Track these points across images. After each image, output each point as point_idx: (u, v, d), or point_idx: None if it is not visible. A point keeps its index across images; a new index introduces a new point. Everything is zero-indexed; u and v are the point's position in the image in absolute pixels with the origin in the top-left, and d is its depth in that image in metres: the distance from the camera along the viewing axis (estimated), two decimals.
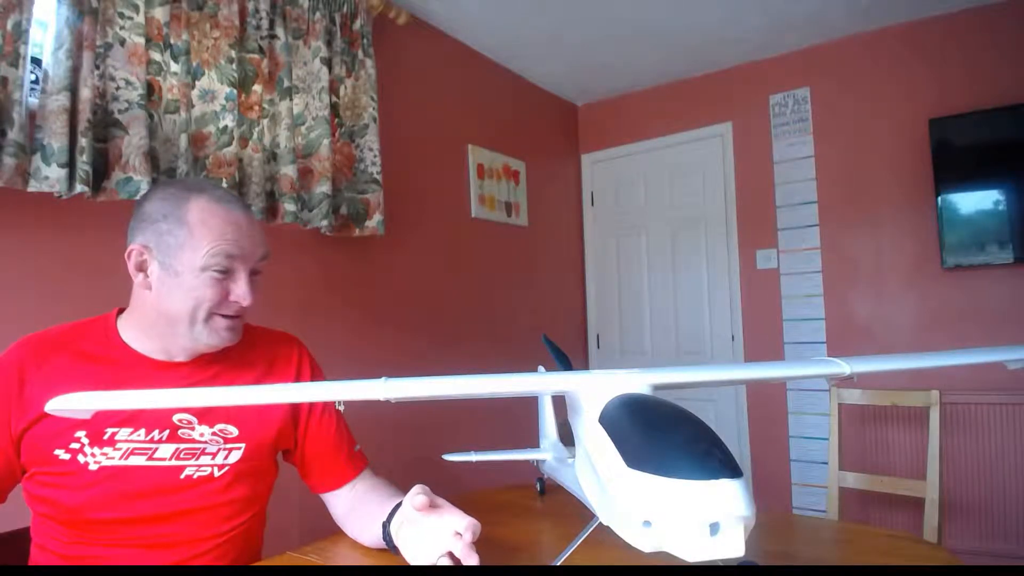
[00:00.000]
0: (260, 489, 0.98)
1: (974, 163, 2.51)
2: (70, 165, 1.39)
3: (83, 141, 1.40)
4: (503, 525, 1.02)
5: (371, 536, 0.91)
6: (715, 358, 3.18)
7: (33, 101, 1.40)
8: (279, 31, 1.90)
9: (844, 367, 0.64)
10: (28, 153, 1.35)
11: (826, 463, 1.92)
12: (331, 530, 1.02)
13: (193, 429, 0.89)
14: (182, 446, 0.88)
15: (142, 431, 0.87)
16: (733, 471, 0.47)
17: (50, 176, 1.36)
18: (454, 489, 1.04)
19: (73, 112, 1.40)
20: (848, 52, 2.84)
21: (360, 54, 2.15)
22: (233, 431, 0.92)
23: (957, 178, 2.54)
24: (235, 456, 0.92)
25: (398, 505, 0.86)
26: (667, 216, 3.37)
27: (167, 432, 0.88)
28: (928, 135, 2.59)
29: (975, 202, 2.53)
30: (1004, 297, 2.49)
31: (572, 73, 3.22)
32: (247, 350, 0.98)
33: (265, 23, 1.86)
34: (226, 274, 0.88)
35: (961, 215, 2.54)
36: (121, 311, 0.94)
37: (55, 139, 1.37)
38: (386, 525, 0.86)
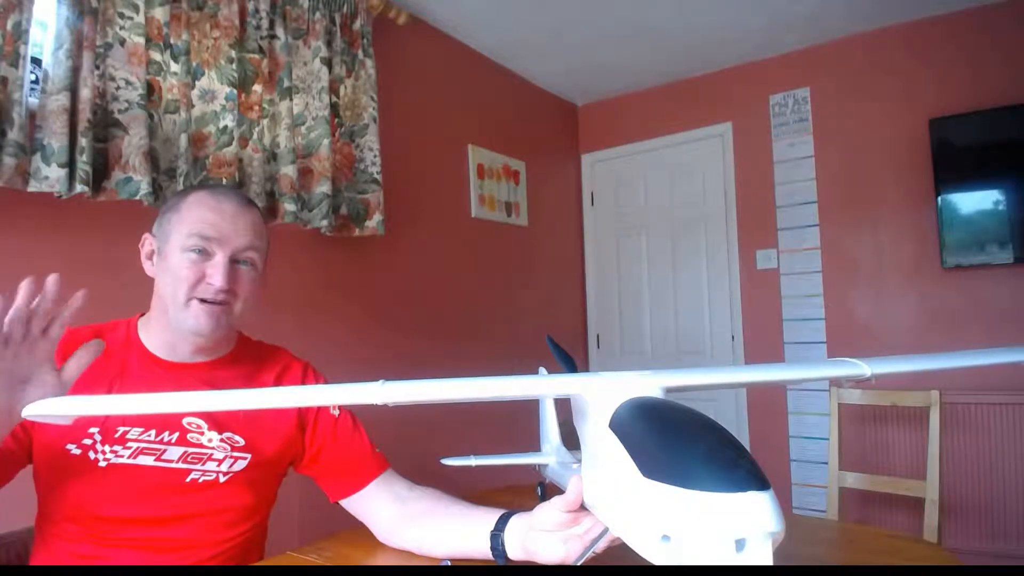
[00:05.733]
0: (263, 498, 0.98)
1: (974, 163, 2.51)
2: (70, 165, 1.39)
3: (83, 141, 1.40)
4: None
5: (452, 543, 0.86)
6: (715, 358, 3.18)
7: (33, 101, 1.40)
8: (279, 31, 1.90)
9: (864, 368, 0.61)
10: (28, 153, 1.35)
11: (826, 463, 1.91)
12: (331, 530, 1.01)
13: (202, 434, 0.90)
14: (190, 450, 0.89)
15: (152, 431, 0.87)
16: (761, 483, 0.43)
17: (50, 176, 1.36)
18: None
19: (73, 112, 1.40)
20: (848, 52, 2.84)
21: (360, 54, 2.15)
22: (240, 440, 0.92)
23: (957, 178, 2.53)
24: (240, 465, 0.92)
25: (505, 515, 0.82)
26: (667, 216, 3.37)
27: (176, 435, 0.88)
28: (928, 135, 2.59)
29: (975, 202, 2.53)
30: (1004, 297, 2.49)
31: (572, 73, 3.21)
32: (259, 367, 0.99)
33: (265, 23, 1.86)
34: (204, 256, 0.89)
35: (961, 215, 2.54)
36: (143, 314, 0.96)
37: (55, 139, 1.37)
38: (497, 535, 0.82)
